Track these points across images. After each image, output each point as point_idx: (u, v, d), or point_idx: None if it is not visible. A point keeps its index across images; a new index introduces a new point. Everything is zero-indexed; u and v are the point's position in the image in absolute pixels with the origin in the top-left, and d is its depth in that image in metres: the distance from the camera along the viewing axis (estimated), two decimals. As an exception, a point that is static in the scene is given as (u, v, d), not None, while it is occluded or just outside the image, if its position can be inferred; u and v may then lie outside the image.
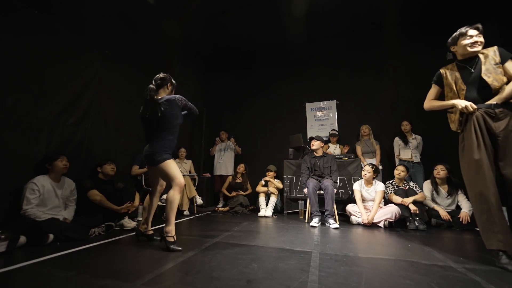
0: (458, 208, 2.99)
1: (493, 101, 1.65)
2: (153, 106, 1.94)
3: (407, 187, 3.11)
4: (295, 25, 4.20)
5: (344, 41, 4.87)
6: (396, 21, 4.26)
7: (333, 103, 5.04)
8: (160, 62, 4.19)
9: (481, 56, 1.73)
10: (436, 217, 2.95)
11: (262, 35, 4.76)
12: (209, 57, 5.65)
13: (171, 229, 1.83)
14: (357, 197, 3.10)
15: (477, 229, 1.63)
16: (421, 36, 4.47)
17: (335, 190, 3.12)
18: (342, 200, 3.67)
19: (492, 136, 1.62)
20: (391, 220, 2.87)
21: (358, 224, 3.01)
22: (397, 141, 3.99)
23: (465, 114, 1.72)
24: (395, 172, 3.26)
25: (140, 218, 3.10)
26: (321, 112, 5.11)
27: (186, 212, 3.82)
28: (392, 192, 3.14)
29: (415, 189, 3.08)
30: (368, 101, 4.78)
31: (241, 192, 4.36)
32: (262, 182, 4.21)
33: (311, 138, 3.56)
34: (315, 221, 2.92)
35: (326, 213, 2.98)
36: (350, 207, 3.19)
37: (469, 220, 2.74)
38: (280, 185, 4.08)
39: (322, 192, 3.16)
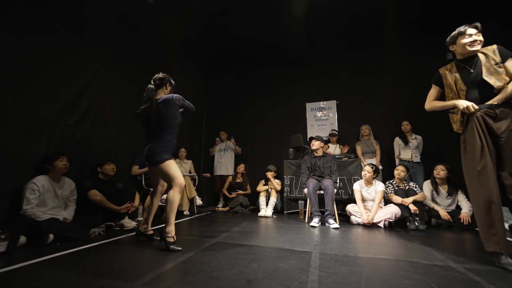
0: (458, 208, 2.99)
1: (493, 101, 1.63)
2: (151, 106, 1.93)
3: (407, 187, 3.11)
4: (295, 25, 4.20)
5: (344, 41, 4.87)
6: (396, 21, 4.26)
7: (333, 103, 5.04)
8: (160, 62, 4.19)
9: (480, 55, 1.71)
10: (436, 217, 2.95)
11: (262, 35, 4.76)
12: (209, 57, 5.64)
13: (171, 229, 1.83)
14: (357, 197, 3.10)
15: (477, 229, 1.63)
16: (421, 36, 4.47)
17: (335, 190, 3.12)
18: (342, 200, 3.67)
19: (493, 137, 1.61)
20: (391, 220, 2.87)
21: (358, 224, 3.01)
22: (397, 141, 3.99)
23: (466, 115, 1.71)
24: (395, 172, 3.26)
25: (140, 218, 3.09)
26: (321, 112, 5.11)
27: (186, 212, 3.82)
28: (392, 192, 3.14)
29: (415, 189, 3.08)
30: (368, 101, 4.78)
31: (241, 192, 4.36)
32: (263, 182, 4.22)
33: (311, 138, 3.56)
34: (315, 221, 2.92)
35: (326, 213, 2.98)
36: (350, 207, 3.19)
37: (469, 221, 2.74)
38: (279, 187, 4.08)
39: (322, 192, 3.16)
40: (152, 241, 2.09)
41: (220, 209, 4.36)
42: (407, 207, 2.88)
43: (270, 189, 4.04)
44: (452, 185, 3.03)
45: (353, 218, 3.10)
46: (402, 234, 2.51)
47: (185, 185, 2.34)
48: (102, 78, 3.14)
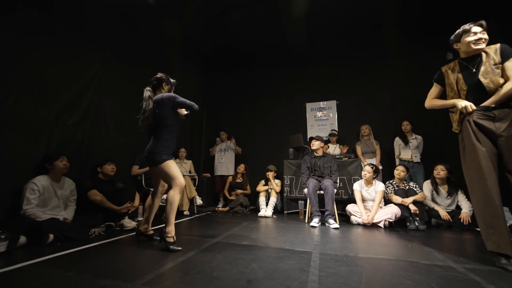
0: (458, 208, 2.99)
1: (487, 104, 1.62)
2: (146, 107, 1.96)
3: (407, 187, 3.11)
4: (295, 25, 4.20)
5: (344, 41, 4.87)
6: (396, 21, 4.26)
7: (333, 103, 5.04)
8: (160, 62, 4.19)
9: (483, 55, 1.69)
10: (436, 217, 2.95)
11: (262, 35, 4.76)
12: (209, 57, 5.64)
13: (171, 229, 1.83)
14: (357, 197, 3.10)
15: (477, 229, 1.63)
16: (421, 36, 4.47)
17: (335, 190, 3.12)
18: (342, 200, 3.67)
19: (493, 137, 1.59)
20: (391, 220, 2.87)
21: (358, 224, 3.01)
22: (398, 141, 3.99)
23: (463, 114, 1.70)
24: (395, 172, 3.26)
25: (140, 218, 3.09)
26: (321, 112, 5.11)
27: (186, 212, 3.82)
28: (392, 192, 3.14)
29: (415, 189, 3.08)
30: (368, 101, 4.78)
31: (241, 191, 4.36)
32: (263, 182, 4.22)
33: (311, 138, 3.56)
34: (315, 221, 2.92)
35: (326, 213, 2.98)
36: (350, 207, 3.19)
37: (469, 221, 2.74)
38: (278, 189, 4.08)
39: (322, 192, 3.16)
40: (152, 241, 2.09)
41: (220, 209, 4.36)
42: (407, 207, 2.88)
43: (270, 189, 4.04)
44: (452, 185, 3.03)
45: (353, 218, 3.10)
46: (402, 234, 2.50)
47: (185, 185, 2.34)
48: (102, 78, 3.14)
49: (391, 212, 2.87)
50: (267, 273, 1.37)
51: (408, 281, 1.28)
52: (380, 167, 3.97)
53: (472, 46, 1.68)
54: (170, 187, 1.91)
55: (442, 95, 1.92)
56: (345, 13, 4.14)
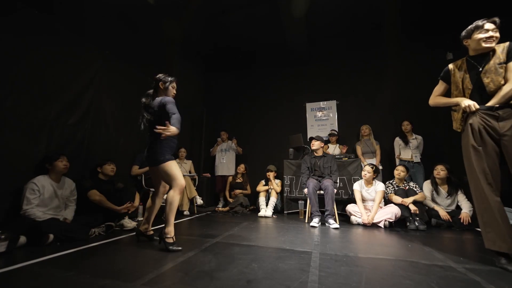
0: (458, 208, 2.99)
1: (490, 104, 1.60)
2: (145, 108, 1.99)
3: (407, 187, 3.11)
4: (295, 25, 4.20)
5: (344, 41, 4.87)
6: (396, 21, 4.26)
7: (333, 103, 5.04)
8: (160, 62, 4.19)
9: (491, 54, 1.63)
10: (436, 217, 2.95)
11: (262, 35, 4.76)
12: (209, 57, 5.64)
13: (171, 230, 1.83)
14: (357, 197, 3.10)
15: (478, 229, 1.63)
16: (421, 36, 4.47)
17: (335, 190, 3.12)
18: (342, 200, 3.67)
19: (497, 136, 1.57)
20: (391, 220, 2.87)
21: (358, 224, 3.01)
22: (398, 141, 3.99)
23: (466, 113, 1.68)
24: (395, 172, 3.26)
25: (140, 218, 3.09)
26: (321, 112, 5.11)
27: (186, 212, 3.82)
28: (392, 192, 3.14)
29: (415, 189, 3.08)
30: (368, 101, 4.78)
31: (241, 191, 4.36)
32: (263, 182, 4.22)
33: (311, 138, 3.56)
34: (315, 221, 2.92)
35: (326, 213, 2.98)
36: (350, 207, 3.19)
37: (469, 221, 2.74)
38: (278, 189, 4.08)
39: (322, 192, 3.16)
40: (152, 241, 2.09)
41: (220, 209, 4.36)
42: (407, 207, 2.88)
43: (270, 189, 4.04)
44: (452, 185, 3.03)
45: (353, 218, 3.09)
46: (402, 234, 2.50)
47: (185, 185, 2.34)
48: (102, 78, 3.14)
49: (391, 212, 2.87)
50: (267, 273, 1.37)
51: (408, 281, 1.27)
52: (380, 167, 3.97)
53: (482, 44, 1.62)
54: (170, 188, 1.91)
55: (447, 93, 1.89)
56: (345, 13, 4.14)
